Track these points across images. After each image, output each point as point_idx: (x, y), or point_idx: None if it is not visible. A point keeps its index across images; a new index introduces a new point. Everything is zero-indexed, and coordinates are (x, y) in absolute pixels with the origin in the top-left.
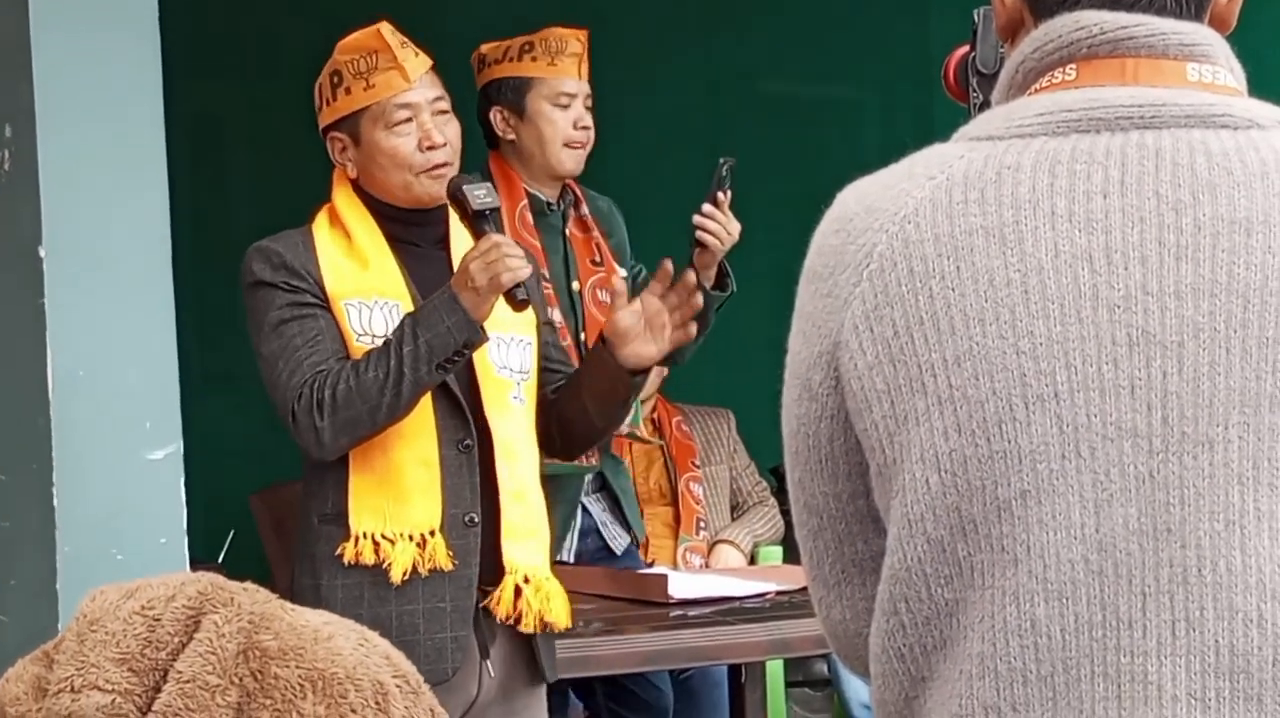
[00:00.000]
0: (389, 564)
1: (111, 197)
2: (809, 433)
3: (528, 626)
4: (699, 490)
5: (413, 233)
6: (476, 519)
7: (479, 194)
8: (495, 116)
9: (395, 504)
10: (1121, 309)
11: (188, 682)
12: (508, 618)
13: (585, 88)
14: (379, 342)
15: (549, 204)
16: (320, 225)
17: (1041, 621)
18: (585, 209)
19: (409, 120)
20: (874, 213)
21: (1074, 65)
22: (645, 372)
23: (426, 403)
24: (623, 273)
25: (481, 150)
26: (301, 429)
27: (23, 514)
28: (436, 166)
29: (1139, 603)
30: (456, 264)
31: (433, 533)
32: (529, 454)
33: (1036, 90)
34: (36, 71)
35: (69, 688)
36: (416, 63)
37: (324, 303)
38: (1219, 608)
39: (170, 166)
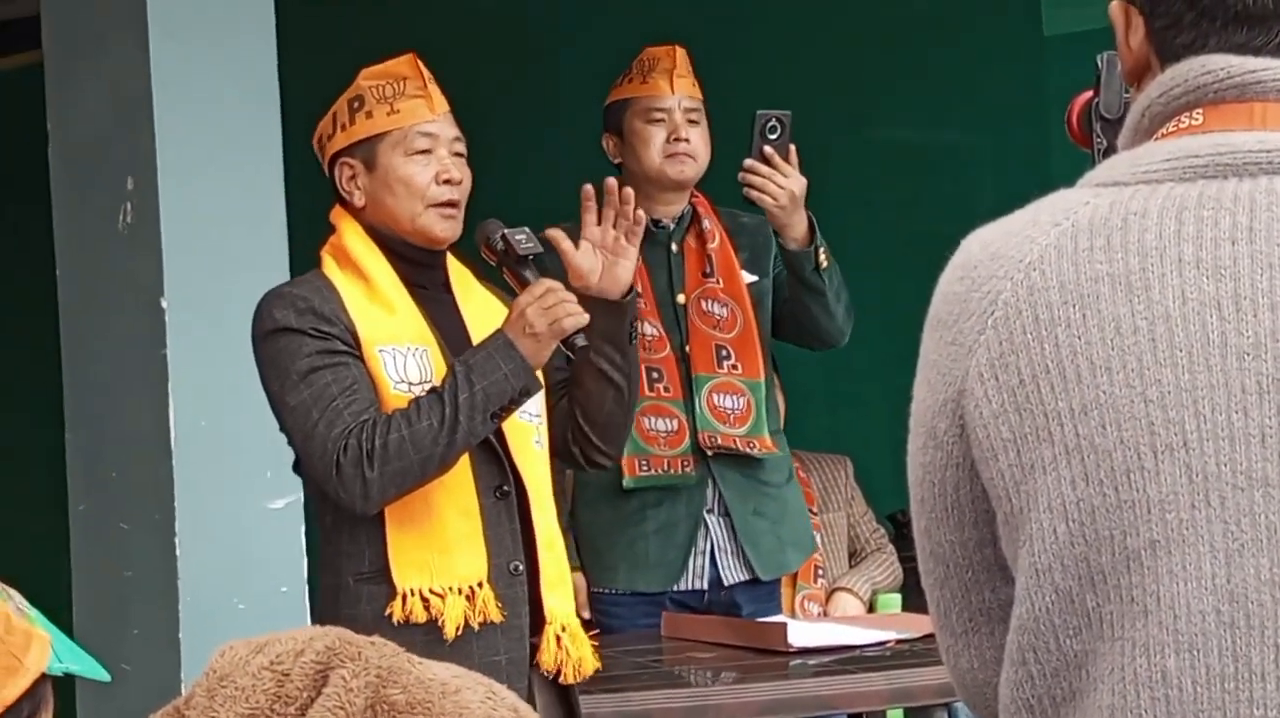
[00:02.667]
0: (442, 621)
1: (232, 248)
2: (934, 481)
3: (568, 677)
4: (816, 538)
5: (422, 275)
6: (521, 568)
7: (520, 239)
8: (607, 144)
9: (440, 557)
10: (1251, 357)
11: None
12: (552, 669)
13: (683, 101)
14: (415, 389)
15: (655, 221)
16: (331, 270)
17: (1172, 672)
18: (706, 223)
19: (429, 151)
20: (998, 260)
21: (1201, 110)
22: (631, 290)
23: None
24: (750, 278)
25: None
26: (346, 482)
27: (145, 564)
28: (448, 203)
29: (1271, 655)
30: (464, 309)
31: (480, 585)
32: (551, 501)
33: (1163, 135)
34: (158, 126)
35: None
36: (441, 99)
37: (355, 350)
38: None
39: (288, 217)
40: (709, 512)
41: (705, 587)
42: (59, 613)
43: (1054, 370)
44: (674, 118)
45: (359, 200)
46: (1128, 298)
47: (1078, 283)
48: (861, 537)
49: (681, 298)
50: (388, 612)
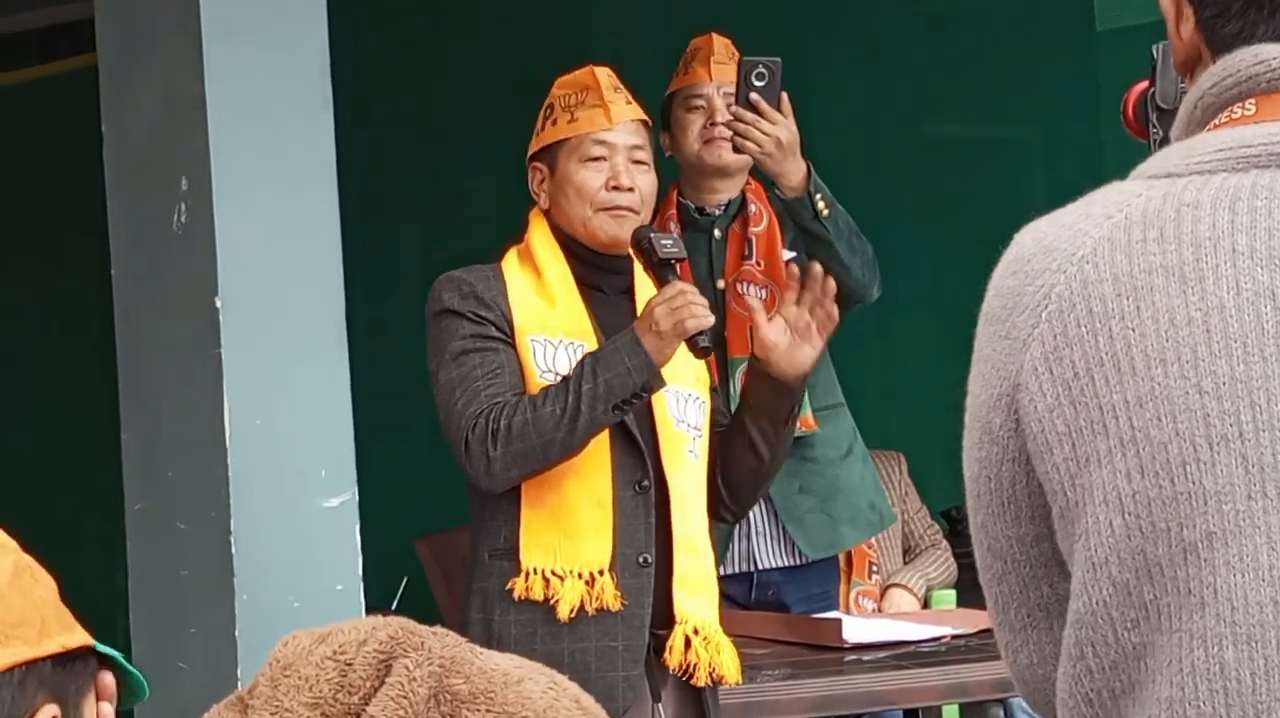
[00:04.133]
0: (556, 601)
1: (286, 247)
2: (990, 476)
3: (700, 679)
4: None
5: (601, 278)
6: (650, 560)
7: (665, 244)
8: (663, 140)
9: (566, 541)
10: None
11: None
12: (680, 669)
13: (722, 87)
14: None
15: (698, 210)
16: (510, 263)
17: (1230, 664)
18: (753, 208)
19: (602, 159)
20: (1051, 253)
21: (1254, 100)
22: (806, 376)
23: (604, 443)
24: (790, 255)
25: None
26: (473, 458)
27: (201, 563)
28: (617, 207)
29: None
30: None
31: (602, 572)
32: (700, 509)
33: (1215, 126)
34: (212, 126)
35: None
36: (623, 109)
37: (509, 338)
38: None
39: (341, 217)
40: None
41: (752, 569)
42: (115, 613)
43: (1108, 363)
44: (713, 103)
45: (544, 202)
46: (1182, 289)
47: (1131, 275)
48: (916, 533)
49: (721, 283)
50: (509, 586)
